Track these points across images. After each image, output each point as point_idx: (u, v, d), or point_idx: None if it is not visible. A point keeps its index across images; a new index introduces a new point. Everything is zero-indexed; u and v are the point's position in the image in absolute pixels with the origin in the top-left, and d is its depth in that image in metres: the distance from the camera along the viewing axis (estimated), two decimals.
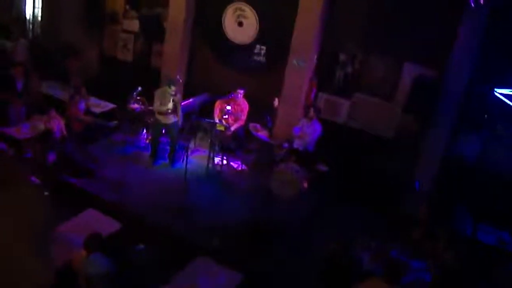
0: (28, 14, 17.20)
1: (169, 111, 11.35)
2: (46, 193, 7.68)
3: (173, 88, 11.38)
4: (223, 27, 13.42)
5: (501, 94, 10.15)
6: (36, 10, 17.06)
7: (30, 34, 17.10)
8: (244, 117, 12.18)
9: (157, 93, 11.62)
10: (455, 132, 10.87)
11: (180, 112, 11.59)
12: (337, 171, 11.06)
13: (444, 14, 10.50)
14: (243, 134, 12.32)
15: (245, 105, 12.19)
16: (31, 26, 17.27)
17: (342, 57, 12.09)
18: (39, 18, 17.08)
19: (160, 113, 11.43)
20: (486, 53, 10.27)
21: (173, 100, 11.36)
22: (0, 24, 16.26)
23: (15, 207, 2.01)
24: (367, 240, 8.83)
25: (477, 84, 10.44)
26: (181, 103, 11.71)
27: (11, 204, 2.00)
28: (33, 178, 7.33)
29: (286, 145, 11.47)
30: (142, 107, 12.36)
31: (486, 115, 10.38)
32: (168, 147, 11.95)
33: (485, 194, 10.20)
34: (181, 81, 11.86)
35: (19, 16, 17.11)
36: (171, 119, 11.50)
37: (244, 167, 12.13)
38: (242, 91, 12.08)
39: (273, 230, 9.43)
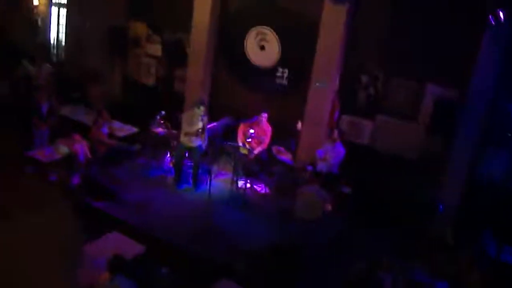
0: (52, 39, 17.41)
1: (200, 131, 11.37)
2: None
3: (202, 108, 11.41)
4: (245, 51, 13.49)
5: None
6: (60, 35, 17.28)
7: (54, 59, 17.29)
8: (267, 140, 12.18)
9: (186, 115, 11.69)
10: (479, 152, 10.75)
11: (205, 135, 11.61)
12: (361, 193, 10.99)
13: (465, 32, 10.45)
14: (267, 157, 12.30)
15: (268, 129, 12.18)
16: (55, 51, 17.48)
17: (364, 78, 12.06)
18: (63, 44, 17.28)
19: (188, 134, 11.43)
20: (508, 70, 10.18)
21: (202, 121, 11.40)
22: (25, 49, 16.48)
23: (43, 228, 2.02)
24: (390, 261, 8.74)
25: (500, 102, 10.34)
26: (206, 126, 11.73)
27: (39, 225, 2.01)
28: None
29: (309, 167, 11.42)
30: (166, 130, 12.41)
31: (509, 134, 10.25)
32: (191, 171, 11.94)
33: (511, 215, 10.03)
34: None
35: (43, 42, 17.34)
36: (196, 142, 11.51)
37: (267, 190, 12.08)
38: (265, 115, 12.09)
39: (297, 252, 9.34)
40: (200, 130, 11.38)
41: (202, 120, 11.44)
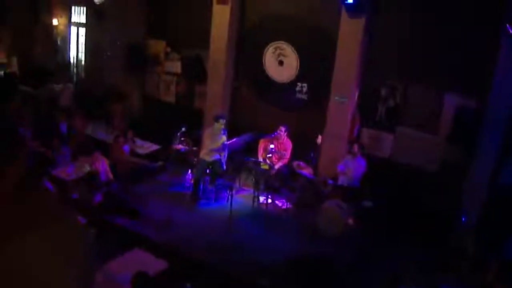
0: (72, 58, 17.57)
1: (223, 145, 11.48)
2: (93, 231, 7.76)
3: (222, 122, 11.49)
4: (264, 66, 13.51)
5: None
6: (80, 54, 17.43)
7: (75, 78, 17.45)
8: (287, 155, 12.14)
9: (207, 132, 11.74)
10: (500, 161, 10.65)
11: (225, 151, 11.64)
12: (383, 206, 10.91)
13: (482, 42, 10.40)
14: (287, 172, 12.25)
15: (288, 143, 12.16)
16: (75, 71, 17.64)
17: (383, 91, 12.01)
18: (83, 62, 17.43)
19: (212, 150, 11.51)
20: None
21: (224, 134, 11.55)
22: (47, 69, 16.65)
23: (60, 243, 2.01)
24: (415, 275, 8.67)
25: None
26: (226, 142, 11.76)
27: (57, 241, 2.00)
28: (80, 218, 7.36)
29: (331, 181, 11.38)
30: (187, 147, 12.44)
31: None
32: (210, 186, 11.96)
33: None
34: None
35: (64, 61, 17.50)
36: (215, 156, 11.55)
37: (289, 205, 12.03)
38: (283, 128, 12.02)
39: (320, 268, 9.30)
40: (225, 143, 11.46)
41: (224, 134, 11.50)
